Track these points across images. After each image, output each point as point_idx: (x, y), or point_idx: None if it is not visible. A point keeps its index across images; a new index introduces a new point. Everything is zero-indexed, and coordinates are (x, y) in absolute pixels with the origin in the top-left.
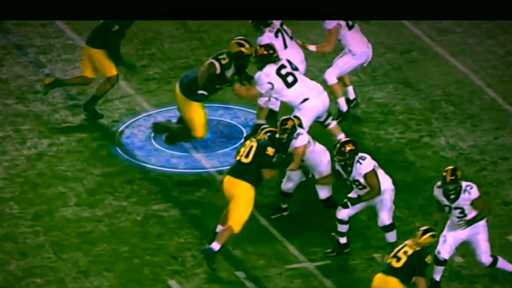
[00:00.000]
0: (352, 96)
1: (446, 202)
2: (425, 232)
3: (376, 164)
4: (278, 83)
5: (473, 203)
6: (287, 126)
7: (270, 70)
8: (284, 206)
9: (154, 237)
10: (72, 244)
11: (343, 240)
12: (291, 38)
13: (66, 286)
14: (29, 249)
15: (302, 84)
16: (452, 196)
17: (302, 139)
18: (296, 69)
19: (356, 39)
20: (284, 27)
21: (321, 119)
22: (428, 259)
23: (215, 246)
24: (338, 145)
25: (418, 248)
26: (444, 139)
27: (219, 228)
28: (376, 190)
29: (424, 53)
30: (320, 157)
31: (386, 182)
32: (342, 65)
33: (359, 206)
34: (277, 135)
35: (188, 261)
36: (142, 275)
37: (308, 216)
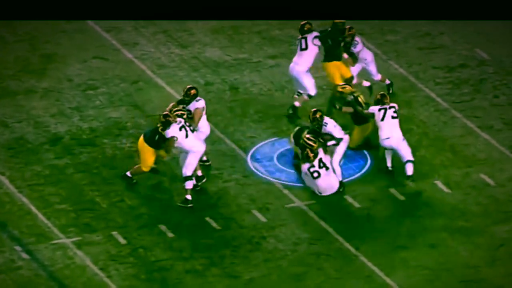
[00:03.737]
0: None
1: None
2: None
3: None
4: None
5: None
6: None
7: (200, 103)
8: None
9: None
10: None
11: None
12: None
13: None
14: None
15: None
16: None
17: (200, 103)
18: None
19: None
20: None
21: None
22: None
23: (128, 173)
24: None
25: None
26: None
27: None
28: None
29: (148, 83)
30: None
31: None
32: None
33: None
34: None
35: None
36: None
37: None
